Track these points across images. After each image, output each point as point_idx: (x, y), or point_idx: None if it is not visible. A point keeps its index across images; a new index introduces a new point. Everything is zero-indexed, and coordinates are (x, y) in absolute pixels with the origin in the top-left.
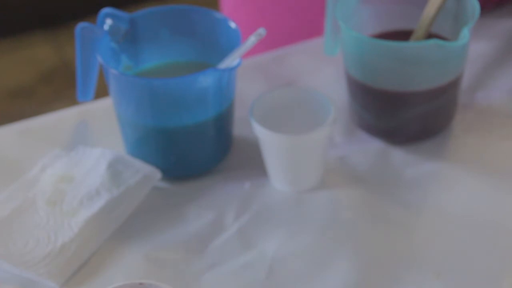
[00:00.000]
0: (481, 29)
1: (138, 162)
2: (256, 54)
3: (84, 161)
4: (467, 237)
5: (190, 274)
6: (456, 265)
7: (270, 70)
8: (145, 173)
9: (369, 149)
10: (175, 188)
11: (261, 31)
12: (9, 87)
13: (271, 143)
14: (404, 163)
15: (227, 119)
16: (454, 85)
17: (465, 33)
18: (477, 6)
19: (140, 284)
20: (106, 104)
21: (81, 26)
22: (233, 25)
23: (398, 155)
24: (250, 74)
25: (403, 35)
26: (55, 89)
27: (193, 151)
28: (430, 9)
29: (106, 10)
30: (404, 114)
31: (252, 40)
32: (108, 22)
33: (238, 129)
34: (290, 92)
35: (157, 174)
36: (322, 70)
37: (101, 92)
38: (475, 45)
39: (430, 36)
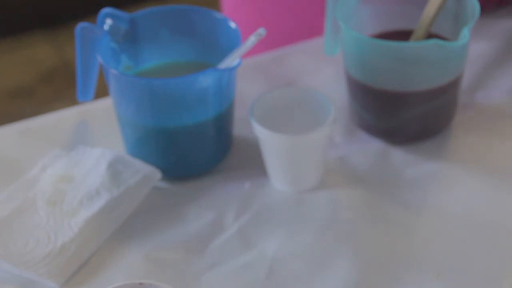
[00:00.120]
0: (481, 29)
1: (138, 162)
2: (256, 54)
3: (84, 161)
4: (467, 237)
5: (190, 274)
6: (456, 265)
7: (270, 70)
8: (145, 173)
9: (369, 149)
10: (175, 188)
11: (261, 31)
12: (9, 87)
13: (271, 143)
14: (404, 163)
15: (227, 119)
16: (454, 85)
17: (465, 33)
18: (477, 6)
19: (140, 284)
20: (106, 104)
21: (81, 26)
22: (233, 25)
23: (398, 155)
24: (250, 74)
25: (403, 35)
26: (55, 89)
27: (193, 151)
28: (430, 9)
29: (106, 10)
30: (404, 114)
31: (252, 40)
32: (108, 22)
33: (238, 129)
34: (290, 92)
35: (157, 174)
36: (322, 70)
37: (101, 92)
38: (475, 45)
39: (430, 36)
